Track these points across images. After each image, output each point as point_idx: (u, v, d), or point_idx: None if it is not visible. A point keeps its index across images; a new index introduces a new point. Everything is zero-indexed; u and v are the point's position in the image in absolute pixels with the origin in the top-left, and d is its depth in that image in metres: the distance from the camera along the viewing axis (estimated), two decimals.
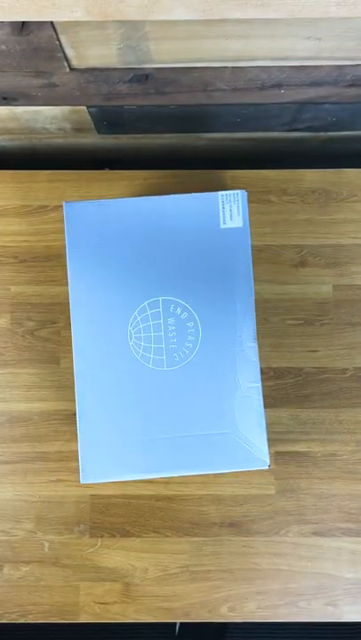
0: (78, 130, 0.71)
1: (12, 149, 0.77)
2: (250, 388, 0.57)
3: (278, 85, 0.57)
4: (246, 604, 0.63)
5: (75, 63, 0.54)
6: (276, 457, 0.65)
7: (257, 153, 0.79)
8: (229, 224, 0.59)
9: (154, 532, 0.65)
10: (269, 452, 0.55)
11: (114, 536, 0.65)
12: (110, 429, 0.54)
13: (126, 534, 0.65)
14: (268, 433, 0.56)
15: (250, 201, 0.62)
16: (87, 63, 0.54)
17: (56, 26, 0.47)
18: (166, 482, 0.65)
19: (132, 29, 0.48)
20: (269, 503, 0.65)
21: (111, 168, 0.73)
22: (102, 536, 0.65)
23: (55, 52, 0.51)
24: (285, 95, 0.60)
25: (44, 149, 0.77)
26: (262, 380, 0.58)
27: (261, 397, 0.57)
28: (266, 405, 0.59)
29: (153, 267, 0.57)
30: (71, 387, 0.66)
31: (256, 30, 0.48)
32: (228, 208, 0.59)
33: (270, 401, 0.66)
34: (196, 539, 0.64)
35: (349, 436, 0.66)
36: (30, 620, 0.63)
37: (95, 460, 0.53)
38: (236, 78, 0.56)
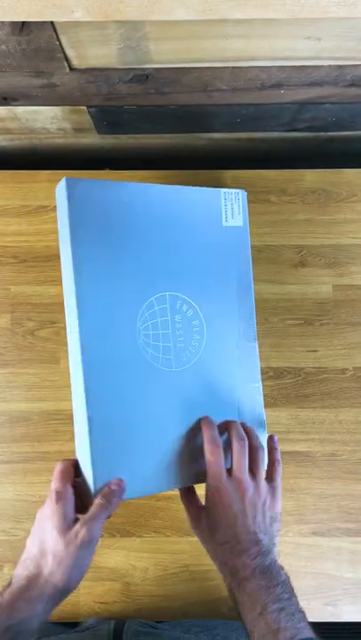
0: (78, 130, 0.71)
1: (12, 149, 0.77)
2: (251, 388, 0.57)
3: (278, 85, 0.57)
4: None
5: (75, 63, 0.54)
6: None
7: (257, 153, 0.79)
8: (231, 222, 0.58)
9: (154, 532, 0.65)
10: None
11: (114, 536, 0.65)
12: (125, 437, 0.49)
13: (126, 534, 0.65)
14: (268, 432, 0.56)
15: (250, 201, 0.62)
16: (87, 63, 0.54)
17: (56, 26, 0.47)
18: None
19: (132, 29, 0.48)
20: None
21: (111, 168, 0.73)
22: (102, 536, 0.64)
23: (55, 52, 0.51)
24: (285, 95, 0.60)
25: (44, 149, 0.77)
26: (262, 379, 0.58)
27: (262, 397, 0.58)
28: (266, 405, 0.59)
29: (159, 258, 0.53)
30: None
31: (256, 30, 0.48)
32: (230, 206, 0.59)
33: (270, 401, 0.66)
34: (196, 539, 0.64)
35: (349, 436, 0.66)
36: None
37: (109, 471, 0.48)
38: (236, 78, 0.56)
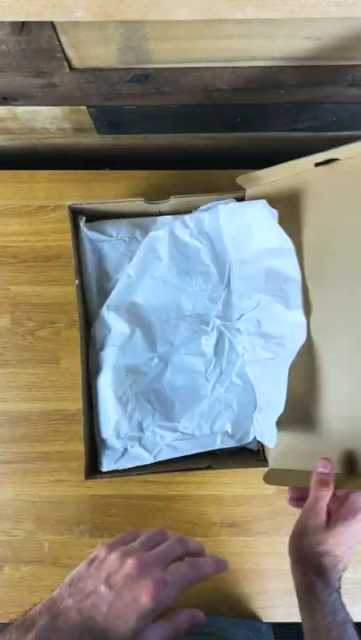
0: (78, 130, 0.71)
1: (12, 149, 0.77)
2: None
3: (278, 85, 0.57)
4: (246, 604, 0.63)
5: (75, 63, 0.54)
6: None
7: (257, 153, 0.79)
8: None
9: None
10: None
11: (114, 536, 0.64)
12: None
13: None
14: None
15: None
16: (87, 63, 0.54)
17: (56, 26, 0.47)
18: (167, 482, 0.65)
19: (132, 29, 0.48)
20: (269, 503, 0.65)
21: (111, 168, 0.73)
22: (102, 536, 0.64)
23: (55, 52, 0.51)
24: (285, 95, 0.60)
25: (44, 149, 0.77)
26: None
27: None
28: None
29: None
30: (71, 387, 0.66)
31: (256, 30, 0.48)
32: None
33: None
34: (196, 539, 0.64)
35: None
36: None
37: None
38: (236, 78, 0.56)
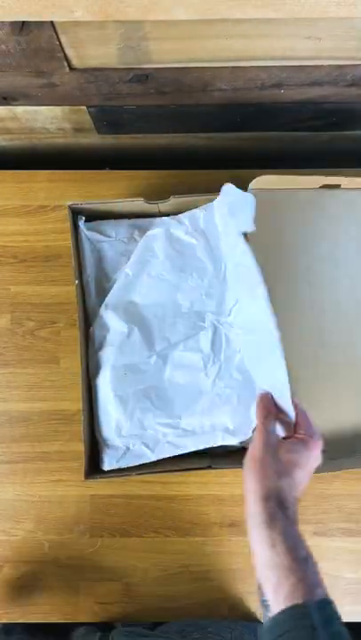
0: (78, 130, 0.71)
1: (12, 149, 0.77)
2: None
3: (278, 85, 0.57)
4: (246, 604, 0.63)
5: (75, 63, 0.54)
6: None
7: (257, 153, 0.79)
8: None
9: (154, 532, 0.64)
10: None
11: (114, 536, 0.65)
12: None
13: (126, 534, 0.65)
14: None
15: None
16: (87, 63, 0.54)
17: (56, 26, 0.47)
18: (166, 482, 0.65)
19: (132, 29, 0.48)
20: None
21: (111, 168, 0.73)
22: (102, 536, 0.64)
23: (55, 52, 0.51)
24: (285, 95, 0.60)
25: (44, 149, 0.77)
26: None
27: None
28: None
29: None
30: (71, 387, 0.66)
31: (256, 30, 0.48)
32: None
33: None
34: (196, 539, 0.64)
35: None
36: (30, 619, 0.63)
37: None
38: (236, 78, 0.56)
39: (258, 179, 0.60)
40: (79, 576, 0.64)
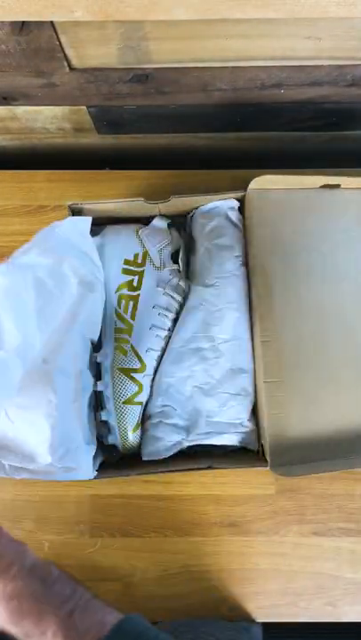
0: (78, 130, 0.71)
1: (12, 149, 0.77)
2: None
3: (278, 85, 0.57)
4: (246, 604, 0.63)
5: (75, 63, 0.54)
6: None
7: (257, 153, 0.79)
8: None
9: (154, 532, 0.64)
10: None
11: (114, 536, 0.65)
12: None
13: (126, 534, 0.65)
14: None
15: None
16: (87, 63, 0.54)
17: (56, 26, 0.47)
18: (166, 482, 0.65)
19: (132, 29, 0.48)
20: (269, 503, 0.65)
21: (111, 168, 0.73)
22: (102, 536, 0.64)
23: (55, 52, 0.51)
24: (285, 95, 0.60)
25: (44, 149, 0.77)
26: None
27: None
28: None
29: None
30: None
31: (256, 30, 0.48)
32: None
33: None
34: (195, 539, 0.64)
35: None
36: None
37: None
38: (236, 78, 0.56)
39: (258, 179, 0.60)
40: (79, 576, 0.63)
